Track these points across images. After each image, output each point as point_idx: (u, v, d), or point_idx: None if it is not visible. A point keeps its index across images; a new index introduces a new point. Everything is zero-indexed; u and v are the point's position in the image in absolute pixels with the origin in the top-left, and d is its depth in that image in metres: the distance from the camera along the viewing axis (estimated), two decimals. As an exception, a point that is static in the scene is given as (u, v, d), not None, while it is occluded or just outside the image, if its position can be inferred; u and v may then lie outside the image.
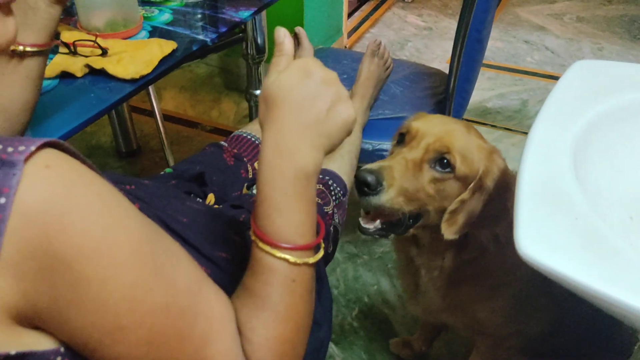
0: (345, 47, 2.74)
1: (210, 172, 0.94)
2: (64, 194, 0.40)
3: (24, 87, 0.73)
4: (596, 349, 1.01)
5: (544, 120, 0.69)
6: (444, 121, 0.86)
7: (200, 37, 1.07)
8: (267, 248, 0.53)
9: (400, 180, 0.78)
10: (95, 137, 2.14)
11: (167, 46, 0.99)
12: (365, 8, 3.15)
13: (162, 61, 0.97)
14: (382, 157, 0.94)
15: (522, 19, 3.06)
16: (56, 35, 0.85)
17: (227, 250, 0.72)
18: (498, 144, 1.71)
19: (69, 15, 1.10)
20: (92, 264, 0.41)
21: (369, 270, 1.59)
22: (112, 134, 2.04)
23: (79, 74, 0.93)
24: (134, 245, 0.44)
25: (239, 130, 1.12)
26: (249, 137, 1.10)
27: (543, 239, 0.53)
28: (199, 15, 1.15)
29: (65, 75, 0.93)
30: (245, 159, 1.05)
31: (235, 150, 1.06)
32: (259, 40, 1.55)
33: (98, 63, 0.93)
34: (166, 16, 1.14)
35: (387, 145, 1.25)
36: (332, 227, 0.94)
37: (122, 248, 0.43)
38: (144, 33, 1.08)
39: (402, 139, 0.86)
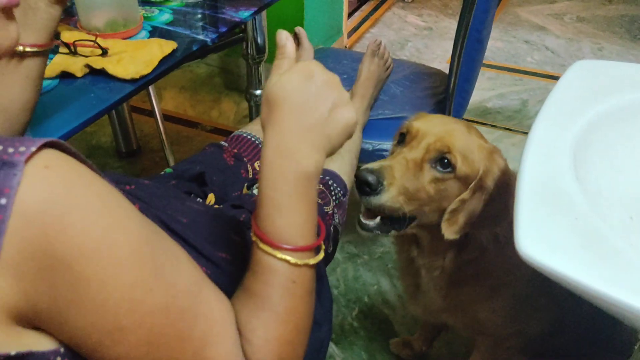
0: (345, 47, 2.74)
1: (210, 172, 0.94)
2: (64, 194, 0.40)
3: (24, 87, 0.73)
4: (596, 349, 1.01)
5: (544, 120, 0.69)
6: (444, 121, 0.86)
7: (200, 37, 1.07)
8: (268, 249, 0.53)
9: (401, 180, 0.78)
10: (95, 137, 2.14)
11: (167, 46, 0.99)
12: (365, 8, 3.15)
13: (162, 61, 0.97)
14: (382, 157, 0.94)
15: (522, 19, 3.06)
16: (56, 35, 0.85)
17: (227, 251, 0.72)
18: (498, 143, 1.71)
19: (69, 15, 1.10)
20: (91, 264, 0.41)
21: (369, 270, 1.59)
22: (112, 134, 2.04)
23: (79, 74, 0.93)
24: (133, 246, 0.44)
25: (239, 130, 1.12)
26: (249, 137, 1.10)
27: (543, 239, 0.53)
28: (199, 15, 1.15)
29: (65, 75, 0.93)
30: (245, 159, 1.05)
31: (236, 150, 1.06)
32: (259, 40, 1.55)
33: (98, 63, 0.93)
34: (166, 16, 1.14)
35: (387, 145, 1.25)
36: (332, 227, 0.94)
37: (122, 248, 0.43)
38: (144, 33, 1.08)
39: (402, 139, 0.86)
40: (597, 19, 3.03)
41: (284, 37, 0.58)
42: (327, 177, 1.01)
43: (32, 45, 0.71)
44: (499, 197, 0.80)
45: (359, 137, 1.21)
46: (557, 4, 3.21)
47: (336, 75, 0.56)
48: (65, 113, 0.85)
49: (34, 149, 0.40)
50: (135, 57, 0.95)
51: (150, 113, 1.94)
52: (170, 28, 1.10)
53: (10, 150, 0.39)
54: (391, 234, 0.85)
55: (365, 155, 1.23)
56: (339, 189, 1.01)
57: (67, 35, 0.99)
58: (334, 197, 0.99)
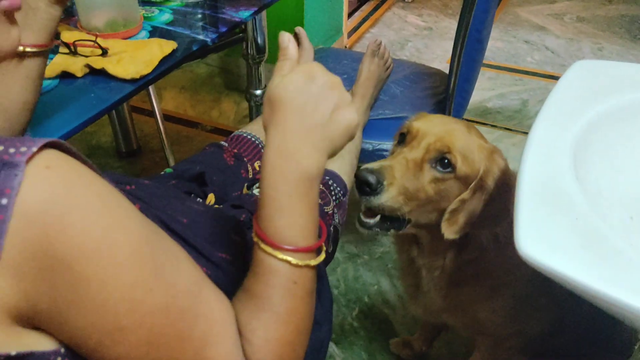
0: (346, 47, 2.74)
1: (210, 172, 0.94)
2: (64, 195, 0.40)
3: (24, 87, 0.73)
4: (596, 349, 1.01)
5: (544, 120, 0.69)
6: (444, 121, 0.86)
7: (201, 37, 1.07)
8: (269, 250, 0.53)
9: (401, 180, 0.78)
10: (96, 137, 2.14)
11: (167, 46, 0.99)
12: (366, 8, 3.15)
13: (162, 61, 0.97)
14: (382, 157, 0.95)
15: (522, 19, 3.06)
16: (56, 35, 0.85)
17: (227, 251, 0.72)
18: (498, 143, 1.71)
19: (69, 15, 1.10)
20: (92, 264, 0.41)
21: (369, 270, 1.59)
22: (112, 134, 2.04)
23: (79, 74, 0.93)
24: (133, 246, 0.44)
25: (239, 130, 1.13)
26: (249, 137, 1.10)
27: (543, 239, 0.53)
28: (199, 15, 1.15)
29: (65, 75, 0.93)
30: (245, 159, 1.05)
31: (236, 150, 1.06)
32: (259, 40, 1.54)
33: (98, 63, 0.93)
34: (166, 16, 1.14)
35: (387, 145, 1.25)
36: (332, 227, 0.94)
37: (122, 248, 0.43)
38: (144, 33, 1.08)
39: (402, 139, 0.86)
40: (597, 19, 3.03)
41: (286, 39, 0.59)
42: (327, 177, 1.01)
43: (32, 46, 0.71)
44: (499, 197, 0.80)
45: (359, 137, 1.21)
46: (557, 4, 3.21)
47: (338, 77, 0.56)
48: (66, 113, 0.85)
49: (35, 149, 0.40)
50: (135, 57, 0.95)
51: (151, 113, 1.94)
52: (170, 28, 1.10)
53: (12, 150, 0.39)
54: (390, 233, 0.85)
55: (365, 155, 1.23)
56: (339, 189, 1.01)
57: (67, 35, 0.99)
58: (334, 197, 0.99)
